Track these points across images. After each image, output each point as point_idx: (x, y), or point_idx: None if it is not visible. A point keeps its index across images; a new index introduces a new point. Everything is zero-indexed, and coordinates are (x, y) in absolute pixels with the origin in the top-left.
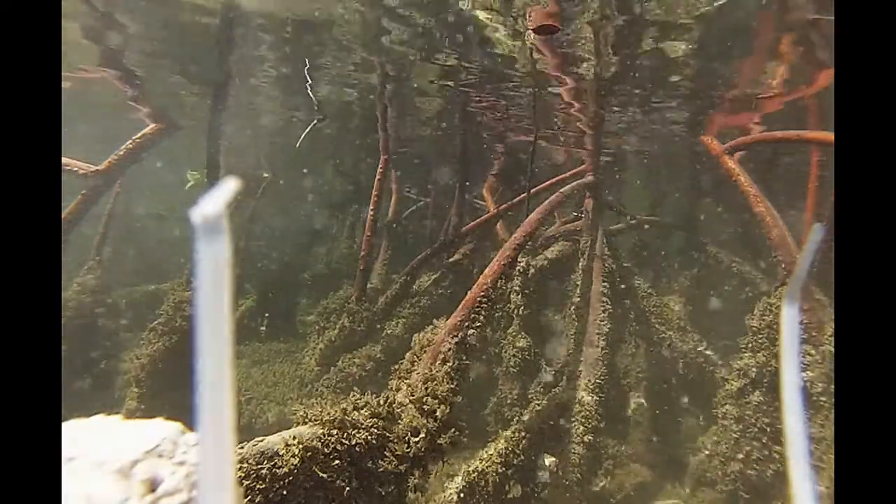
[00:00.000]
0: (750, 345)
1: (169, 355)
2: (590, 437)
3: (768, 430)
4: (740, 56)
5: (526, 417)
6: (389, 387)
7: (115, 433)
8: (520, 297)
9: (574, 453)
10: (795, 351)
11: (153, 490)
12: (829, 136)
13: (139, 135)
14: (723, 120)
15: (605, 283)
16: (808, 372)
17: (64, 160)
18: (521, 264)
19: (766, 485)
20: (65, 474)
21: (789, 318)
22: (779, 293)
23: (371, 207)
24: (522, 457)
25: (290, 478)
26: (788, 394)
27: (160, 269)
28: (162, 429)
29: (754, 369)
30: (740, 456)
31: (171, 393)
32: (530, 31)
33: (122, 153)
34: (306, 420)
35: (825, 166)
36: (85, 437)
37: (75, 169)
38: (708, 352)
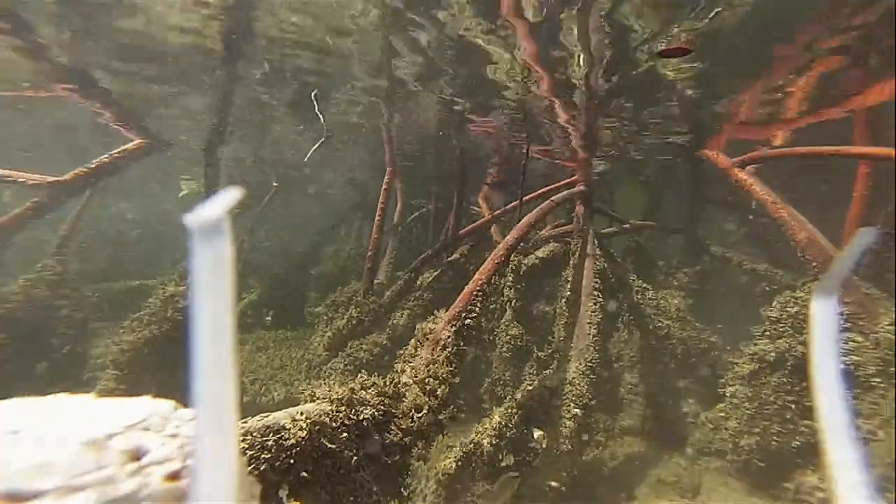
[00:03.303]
0: (767, 333)
1: (149, 345)
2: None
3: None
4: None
5: (518, 396)
6: (395, 369)
7: (83, 410)
8: (512, 291)
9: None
10: (832, 339)
11: (137, 459)
12: (850, 149)
13: (118, 150)
14: (735, 133)
15: (596, 280)
16: (852, 356)
17: (4, 172)
18: (514, 263)
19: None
20: (8, 446)
21: (824, 310)
22: (806, 287)
23: (378, 213)
24: (515, 430)
25: (299, 448)
26: (822, 375)
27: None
28: (149, 405)
29: (773, 354)
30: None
31: (150, 377)
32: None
33: (92, 166)
34: (314, 398)
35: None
36: (37, 413)
37: (21, 180)
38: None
